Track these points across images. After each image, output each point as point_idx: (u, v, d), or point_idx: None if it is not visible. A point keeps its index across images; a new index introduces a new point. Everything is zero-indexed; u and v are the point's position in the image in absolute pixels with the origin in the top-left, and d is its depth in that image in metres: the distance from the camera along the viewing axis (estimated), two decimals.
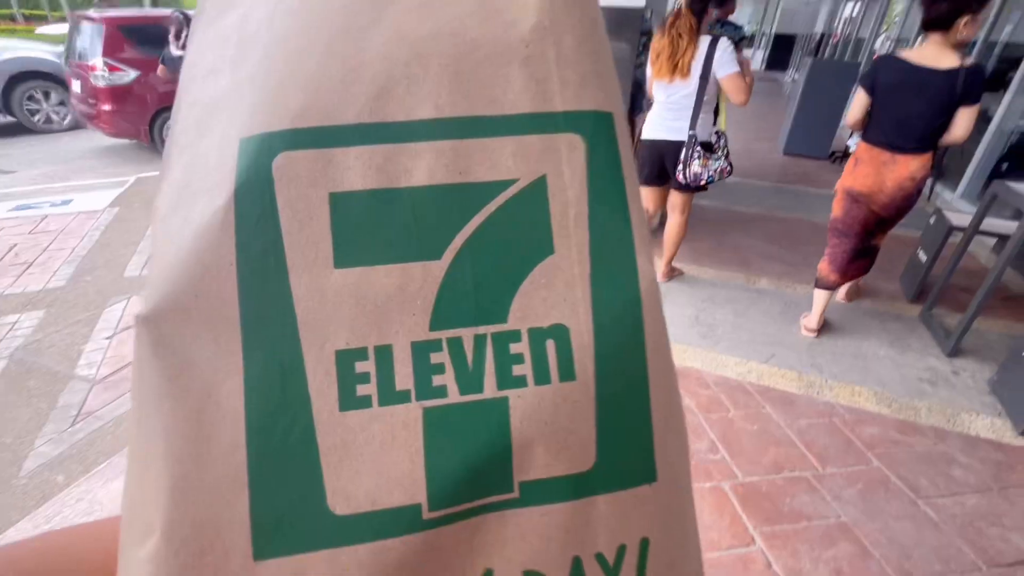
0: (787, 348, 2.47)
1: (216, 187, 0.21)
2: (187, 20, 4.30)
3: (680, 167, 2.52)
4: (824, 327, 2.64)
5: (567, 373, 0.21)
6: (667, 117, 2.54)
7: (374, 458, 0.20)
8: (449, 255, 0.21)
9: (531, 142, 0.22)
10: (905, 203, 2.25)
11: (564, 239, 0.22)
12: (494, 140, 0.22)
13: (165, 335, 0.20)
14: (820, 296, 2.54)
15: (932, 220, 2.98)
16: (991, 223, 2.63)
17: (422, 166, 0.21)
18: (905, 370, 2.35)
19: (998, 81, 4.93)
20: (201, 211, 0.21)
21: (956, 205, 4.59)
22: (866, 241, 2.43)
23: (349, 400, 0.20)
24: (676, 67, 2.38)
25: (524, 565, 0.21)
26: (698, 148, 2.48)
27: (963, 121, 2.03)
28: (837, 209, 2.44)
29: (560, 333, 0.22)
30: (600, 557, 0.22)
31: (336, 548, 0.19)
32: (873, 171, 2.23)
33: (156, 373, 0.20)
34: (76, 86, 5.38)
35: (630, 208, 0.23)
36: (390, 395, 0.20)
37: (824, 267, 2.52)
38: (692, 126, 2.47)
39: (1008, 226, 2.72)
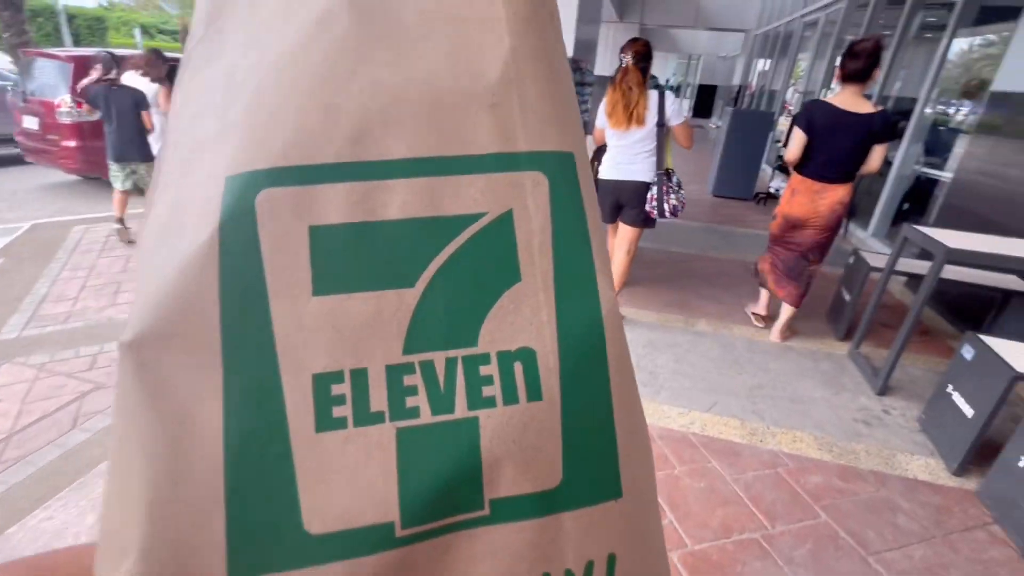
0: (728, 395, 2.44)
1: (202, 221, 0.21)
2: (114, 59, 4.21)
3: (655, 203, 2.72)
4: (761, 371, 2.66)
5: (534, 393, 0.22)
6: (622, 160, 2.73)
7: (349, 478, 0.20)
8: (422, 283, 0.22)
9: (498, 179, 0.23)
10: (836, 223, 2.68)
11: (530, 267, 0.23)
12: (464, 177, 0.23)
13: (147, 360, 0.20)
14: (764, 291, 3.08)
15: (852, 260, 3.12)
16: (903, 262, 2.77)
17: (397, 201, 0.22)
18: (841, 411, 2.37)
19: (893, 131, 5.44)
20: (187, 243, 0.21)
21: (869, 243, 4.91)
22: (801, 255, 2.78)
23: (325, 421, 0.21)
24: (631, 117, 2.63)
25: None
26: (671, 183, 2.73)
27: (877, 155, 2.52)
28: (776, 228, 2.86)
29: (527, 356, 0.22)
30: (569, 573, 0.22)
31: (311, 567, 0.20)
32: (808, 200, 2.64)
33: (137, 397, 0.20)
34: (30, 123, 5.26)
35: (591, 238, 0.24)
36: (365, 416, 0.21)
37: (762, 266, 2.99)
38: (659, 166, 2.72)
39: (917, 264, 2.89)
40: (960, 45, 4.54)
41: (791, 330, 3.05)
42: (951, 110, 4.82)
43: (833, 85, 2.55)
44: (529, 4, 0.25)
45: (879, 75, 2.43)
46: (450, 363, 0.22)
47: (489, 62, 0.24)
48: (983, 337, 2.03)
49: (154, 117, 4.46)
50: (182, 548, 0.19)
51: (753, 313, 3.17)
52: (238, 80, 0.24)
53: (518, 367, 0.22)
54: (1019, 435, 1.78)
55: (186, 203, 0.23)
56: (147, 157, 4.38)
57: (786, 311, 2.94)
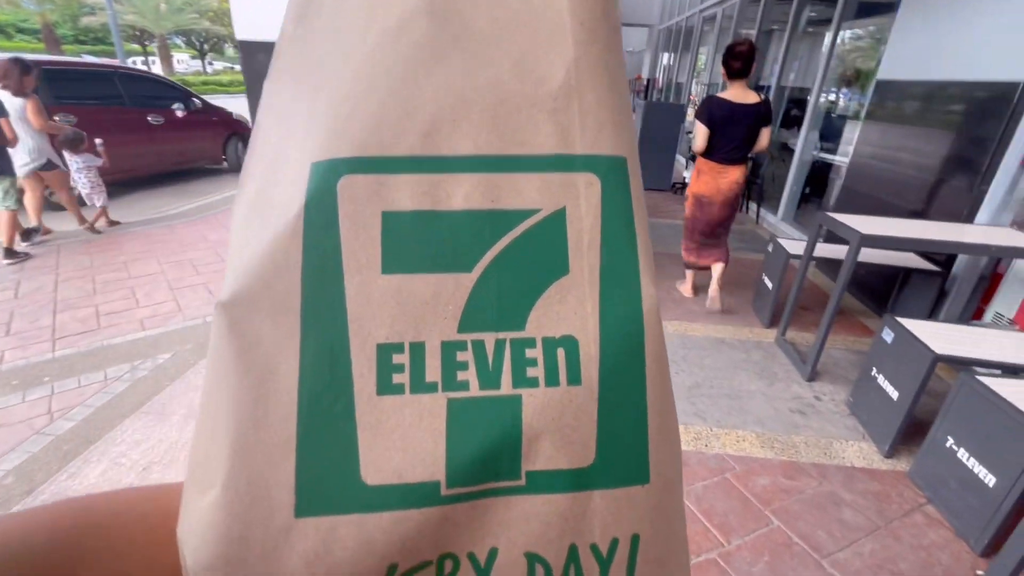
0: None
1: (289, 200, 0.24)
2: None
3: None
4: (697, 367, 2.63)
5: (574, 378, 0.24)
6: None
7: (403, 438, 0.23)
8: (479, 269, 0.24)
9: (554, 178, 0.25)
10: (736, 199, 3.11)
11: (578, 262, 0.25)
12: (522, 175, 0.25)
13: (238, 318, 0.23)
14: (689, 273, 3.46)
15: (770, 248, 3.20)
16: (816, 247, 2.86)
17: (461, 193, 0.24)
18: (777, 403, 2.38)
19: (793, 120, 5.76)
20: (276, 219, 0.24)
21: (780, 227, 5.16)
22: (712, 230, 3.17)
23: (385, 386, 0.23)
24: None
25: (526, 547, 0.23)
26: None
27: (765, 137, 2.96)
28: (688, 210, 3.24)
29: (570, 343, 0.24)
30: (594, 548, 0.24)
31: (365, 513, 0.22)
32: (712, 179, 3.06)
33: (228, 350, 0.23)
34: None
35: (638, 238, 0.26)
36: (420, 385, 0.23)
37: (684, 254, 3.37)
38: None
39: (829, 249, 2.99)
40: (845, 37, 4.86)
41: (724, 306, 3.21)
42: (843, 99, 5.16)
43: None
44: (594, 17, 0.26)
45: (756, 69, 2.91)
46: (499, 344, 0.24)
47: (553, 70, 0.26)
48: (901, 320, 2.10)
49: (18, 128, 3.77)
50: (258, 484, 0.21)
51: (682, 288, 3.52)
52: (324, 76, 0.26)
53: (561, 353, 0.24)
54: (944, 416, 1.83)
55: (275, 183, 0.25)
56: (5, 170, 3.70)
57: (716, 269, 3.23)
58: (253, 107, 5.26)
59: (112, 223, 4.58)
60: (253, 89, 5.30)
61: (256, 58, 5.14)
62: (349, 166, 0.24)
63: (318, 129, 0.24)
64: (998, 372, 1.96)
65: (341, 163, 0.24)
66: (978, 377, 1.72)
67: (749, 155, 3.02)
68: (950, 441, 1.78)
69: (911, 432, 2.04)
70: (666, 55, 12.38)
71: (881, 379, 2.14)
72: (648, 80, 13.30)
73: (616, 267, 0.25)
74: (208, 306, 3.17)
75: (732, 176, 3.01)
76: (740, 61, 2.81)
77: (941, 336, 1.98)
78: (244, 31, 5.07)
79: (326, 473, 0.22)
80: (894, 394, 2.04)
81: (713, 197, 3.08)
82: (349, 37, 0.26)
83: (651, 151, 6.50)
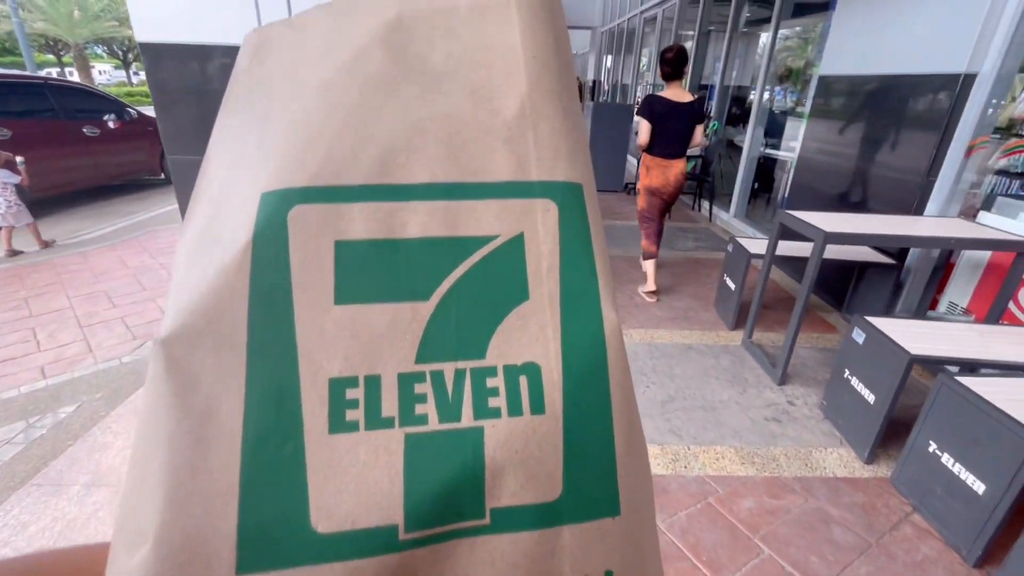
0: (643, 416, 2.23)
1: (237, 232, 0.23)
2: None
3: None
4: (668, 379, 2.51)
5: (537, 407, 0.23)
6: None
7: (357, 478, 0.21)
8: (436, 297, 0.23)
9: (511, 205, 0.25)
10: (681, 189, 3.39)
11: (538, 287, 0.24)
12: (479, 202, 0.25)
13: (177, 356, 0.22)
14: (649, 266, 3.49)
15: (731, 248, 3.14)
16: (771, 245, 2.80)
17: (417, 221, 0.24)
18: (752, 412, 2.28)
19: (738, 118, 5.83)
20: (222, 251, 0.23)
21: (733, 224, 5.19)
22: (662, 219, 3.53)
23: (338, 424, 0.21)
24: None
25: None
26: None
27: (699, 133, 3.24)
28: (642, 202, 3.48)
29: (532, 370, 0.23)
30: None
31: (315, 565, 0.20)
32: (660, 173, 3.32)
33: (166, 389, 0.21)
34: None
35: (597, 263, 0.25)
36: (376, 421, 0.22)
37: (645, 244, 3.52)
38: None
39: (790, 247, 2.95)
40: (785, 35, 4.94)
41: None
42: (787, 96, 5.25)
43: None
44: (547, 51, 0.27)
45: (688, 71, 3.09)
46: (459, 374, 0.23)
47: (507, 101, 0.26)
48: (872, 320, 2.03)
49: None
50: (195, 538, 0.20)
51: (645, 293, 3.47)
52: (277, 107, 0.25)
53: (523, 381, 0.23)
54: (924, 420, 1.76)
55: (223, 216, 0.24)
56: None
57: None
58: (163, 124, 4.36)
59: (13, 253, 4.07)
60: (162, 104, 4.38)
61: (162, 64, 4.32)
62: (301, 196, 0.23)
63: (269, 160, 0.24)
64: (955, 369, 1.92)
65: (293, 193, 0.23)
66: (958, 378, 1.66)
67: (688, 152, 3.31)
68: (933, 446, 1.71)
69: (889, 435, 1.98)
70: (609, 57, 12.49)
71: (855, 382, 2.07)
72: (593, 82, 13.39)
73: (576, 292, 0.25)
74: (125, 344, 2.80)
75: (677, 169, 3.29)
76: (670, 66, 3.10)
77: (912, 334, 1.93)
78: (146, 31, 4.25)
79: (272, 523, 0.20)
80: (870, 397, 1.97)
81: (663, 189, 3.35)
82: (304, 70, 0.26)
83: (602, 153, 6.44)
